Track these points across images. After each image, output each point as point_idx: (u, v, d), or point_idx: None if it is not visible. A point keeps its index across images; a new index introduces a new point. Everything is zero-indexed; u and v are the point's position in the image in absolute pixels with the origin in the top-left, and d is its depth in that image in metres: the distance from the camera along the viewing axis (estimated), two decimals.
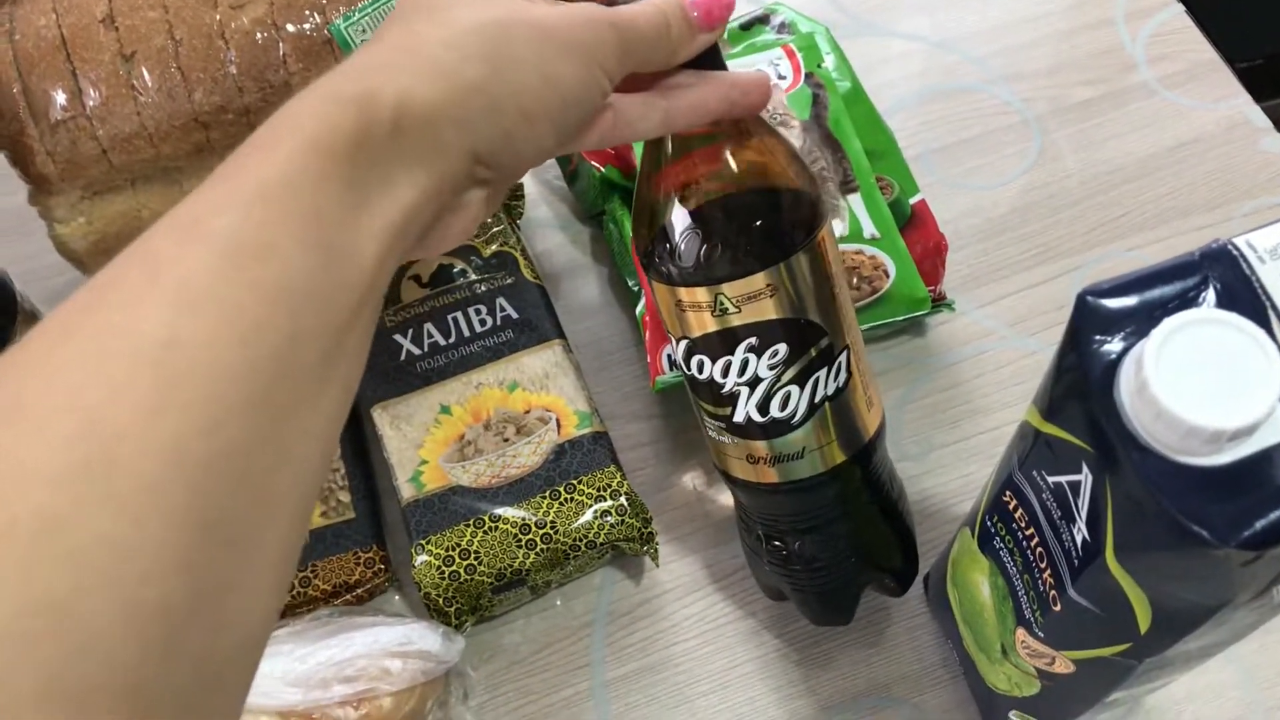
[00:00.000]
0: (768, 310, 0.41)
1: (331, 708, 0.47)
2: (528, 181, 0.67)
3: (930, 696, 0.53)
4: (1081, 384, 0.33)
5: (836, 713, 0.52)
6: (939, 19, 0.74)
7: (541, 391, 0.56)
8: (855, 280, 0.57)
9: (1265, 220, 0.33)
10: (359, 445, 0.58)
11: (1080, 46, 0.73)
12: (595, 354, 0.62)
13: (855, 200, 0.59)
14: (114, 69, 0.51)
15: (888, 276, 0.57)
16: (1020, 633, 0.42)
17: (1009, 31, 0.73)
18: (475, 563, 0.51)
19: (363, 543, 0.54)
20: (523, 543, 0.52)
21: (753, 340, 0.41)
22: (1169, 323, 0.30)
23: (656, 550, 0.54)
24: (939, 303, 0.59)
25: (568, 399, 0.55)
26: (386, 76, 0.30)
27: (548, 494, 0.53)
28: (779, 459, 0.44)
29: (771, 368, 0.42)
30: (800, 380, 0.42)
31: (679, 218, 0.41)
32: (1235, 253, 0.32)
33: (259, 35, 0.52)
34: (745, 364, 0.42)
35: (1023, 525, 0.40)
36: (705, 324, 0.42)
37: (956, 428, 0.59)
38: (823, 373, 0.42)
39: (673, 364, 0.56)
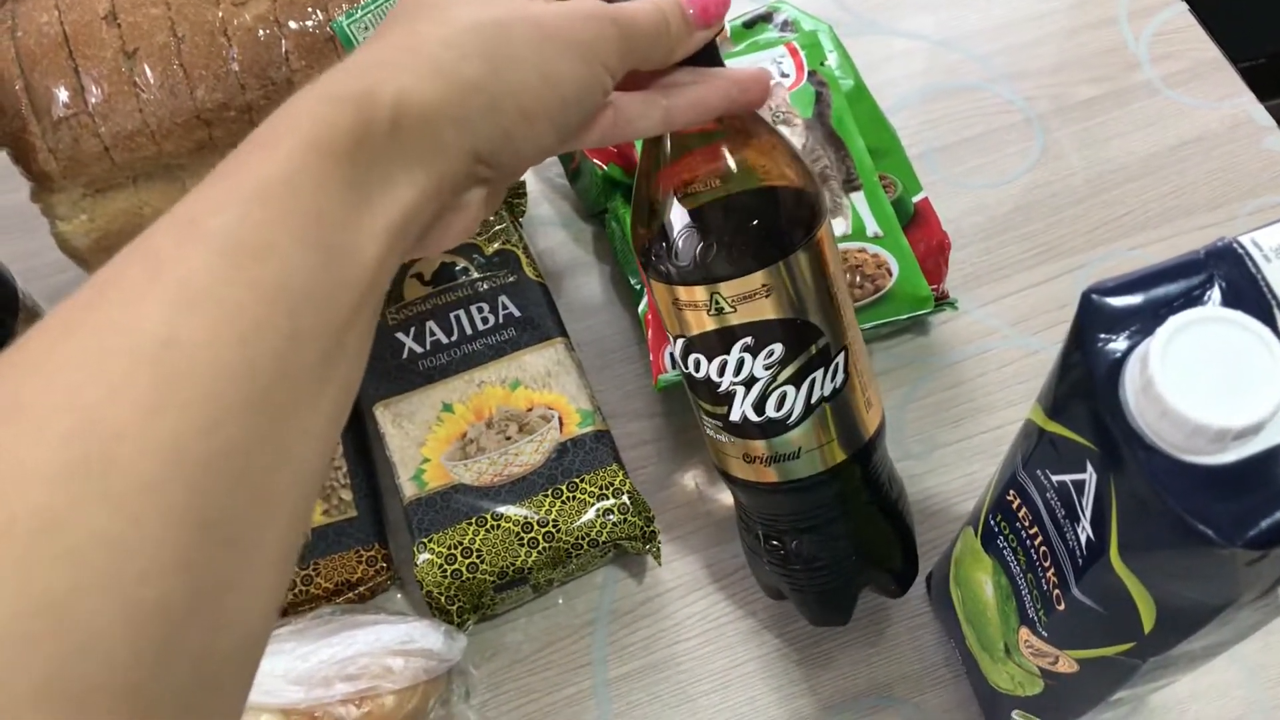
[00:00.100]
0: (764, 310, 0.41)
1: (334, 706, 0.47)
2: (530, 179, 0.67)
3: (932, 696, 0.53)
4: (1086, 382, 0.32)
5: (838, 712, 0.52)
6: (942, 17, 0.74)
7: (544, 390, 0.55)
8: (858, 279, 0.57)
9: (1268, 219, 0.33)
10: (361, 443, 0.58)
11: (1083, 45, 0.73)
12: (597, 352, 0.62)
13: (858, 198, 0.59)
14: (116, 66, 0.51)
15: (890, 275, 0.57)
16: (1024, 632, 0.42)
17: (1012, 30, 0.73)
18: (477, 561, 0.51)
19: (365, 541, 0.54)
20: (525, 541, 0.52)
21: (748, 340, 0.41)
22: (1174, 321, 0.30)
23: (659, 549, 0.54)
24: (942, 301, 0.59)
25: (570, 397, 0.55)
26: (386, 75, 0.29)
27: (550, 492, 0.53)
28: (776, 458, 0.44)
29: (767, 368, 0.42)
30: (796, 380, 0.42)
31: (676, 216, 0.41)
32: (1240, 251, 0.32)
33: (261, 32, 0.52)
34: (741, 363, 0.42)
35: (1026, 524, 0.40)
36: (702, 323, 0.42)
37: (959, 427, 0.59)
38: (819, 373, 0.42)
39: (674, 362, 0.56)
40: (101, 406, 0.22)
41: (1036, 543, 0.39)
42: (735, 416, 0.43)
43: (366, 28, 0.48)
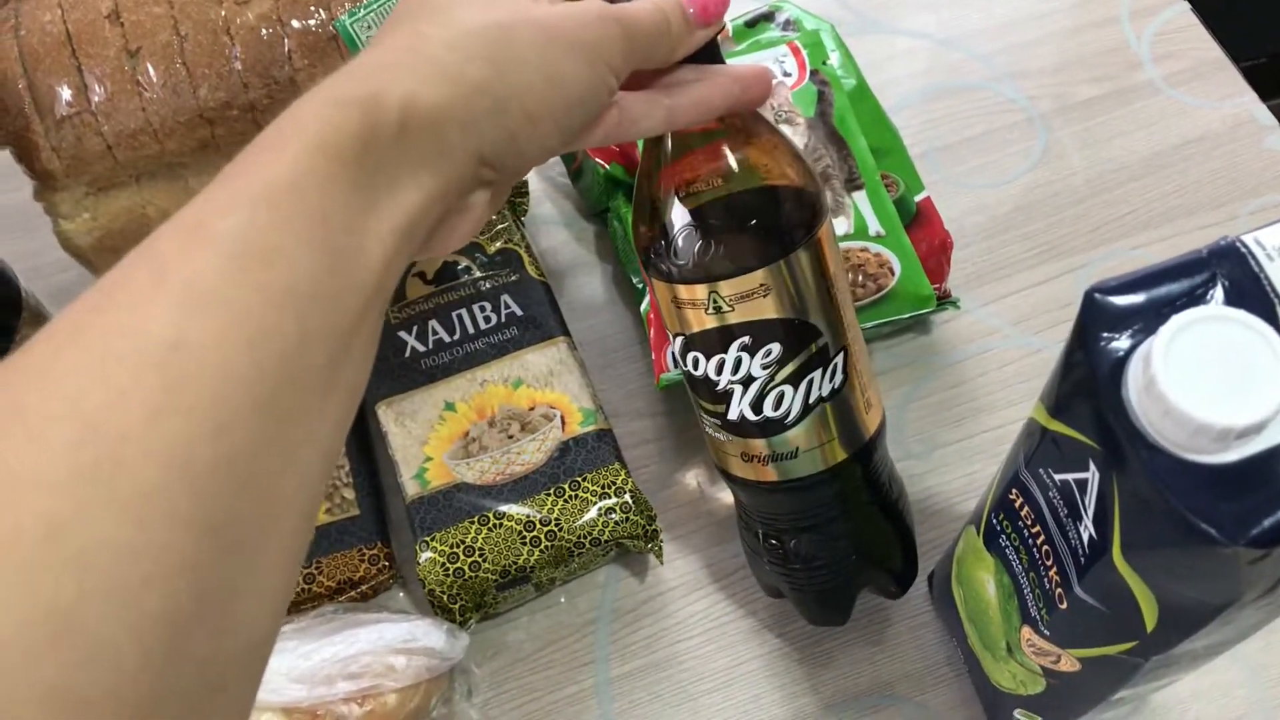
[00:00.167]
0: (762, 309, 0.41)
1: (336, 704, 0.47)
2: (532, 178, 0.67)
3: (934, 695, 0.53)
4: (1089, 381, 0.32)
5: (840, 711, 0.52)
6: (944, 16, 0.74)
7: (546, 388, 0.56)
8: (860, 278, 0.57)
9: (1270, 219, 0.34)
10: (363, 442, 0.58)
11: (1085, 44, 0.73)
12: (599, 351, 0.62)
13: (860, 197, 0.59)
14: (119, 65, 0.51)
15: (893, 274, 0.57)
16: (1026, 631, 0.42)
17: (1014, 29, 0.73)
18: (480, 560, 0.51)
19: (367, 539, 0.54)
20: (527, 540, 0.52)
21: (746, 339, 0.41)
22: (1177, 320, 0.30)
23: (661, 547, 0.54)
24: (944, 300, 0.59)
25: (572, 396, 0.55)
26: (391, 78, 0.29)
27: (552, 491, 0.53)
28: (774, 457, 0.44)
29: (764, 367, 0.42)
30: (794, 380, 0.42)
31: (677, 215, 0.41)
32: (1243, 250, 0.32)
33: (264, 31, 0.52)
34: (739, 362, 0.42)
35: (1029, 523, 0.40)
36: (701, 321, 0.42)
37: (961, 426, 0.59)
38: (818, 374, 0.42)
39: (675, 360, 0.56)
40: (107, 410, 0.22)
41: (1039, 541, 0.39)
42: (733, 415, 0.43)
43: (369, 26, 0.48)
